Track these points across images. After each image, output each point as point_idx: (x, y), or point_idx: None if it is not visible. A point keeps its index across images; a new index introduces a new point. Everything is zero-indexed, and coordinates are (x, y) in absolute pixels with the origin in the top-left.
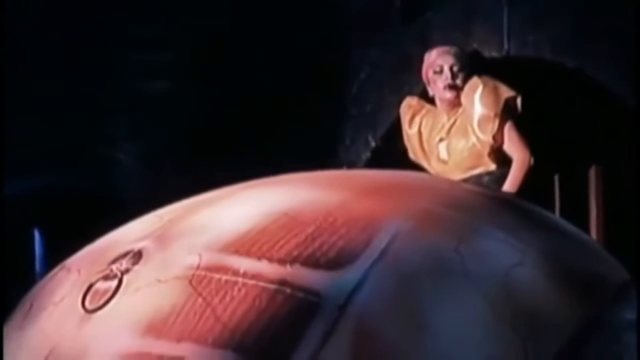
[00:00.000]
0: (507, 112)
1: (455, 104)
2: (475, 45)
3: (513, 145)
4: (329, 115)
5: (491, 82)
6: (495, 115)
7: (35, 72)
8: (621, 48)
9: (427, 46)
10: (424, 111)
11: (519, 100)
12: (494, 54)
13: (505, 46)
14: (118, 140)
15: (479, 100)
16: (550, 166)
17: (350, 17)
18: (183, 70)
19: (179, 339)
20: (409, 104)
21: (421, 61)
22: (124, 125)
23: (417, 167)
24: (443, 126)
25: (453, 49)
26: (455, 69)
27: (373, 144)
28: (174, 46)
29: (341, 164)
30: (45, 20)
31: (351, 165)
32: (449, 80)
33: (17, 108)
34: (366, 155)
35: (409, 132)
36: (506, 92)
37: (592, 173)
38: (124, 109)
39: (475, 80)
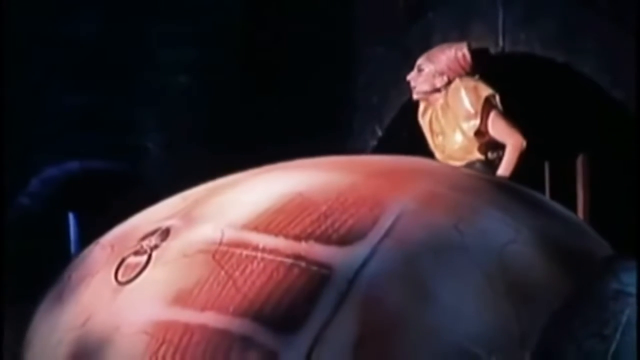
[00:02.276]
0: (487, 109)
1: (430, 101)
2: (473, 43)
3: (503, 133)
4: (339, 107)
5: (472, 82)
6: (476, 112)
7: (75, 68)
8: (605, 44)
9: (429, 44)
10: (430, 111)
11: (497, 98)
12: (490, 50)
13: (500, 43)
14: (146, 131)
15: (461, 100)
16: (541, 154)
17: (359, 18)
18: (204, 66)
19: (203, 308)
20: (420, 110)
21: None
22: (151, 117)
23: (420, 155)
24: (439, 120)
25: (432, 51)
26: (421, 67)
27: (379, 133)
28: (196, 44)
29: (350, 151)
30: (80, 20)
31: (359, 152)
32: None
33: (59, 101)
34: (373, 143)
35: (421, 122)
36: (485, 90)
37: (580, 160)
38: (151, 102)
39: (457, 81)
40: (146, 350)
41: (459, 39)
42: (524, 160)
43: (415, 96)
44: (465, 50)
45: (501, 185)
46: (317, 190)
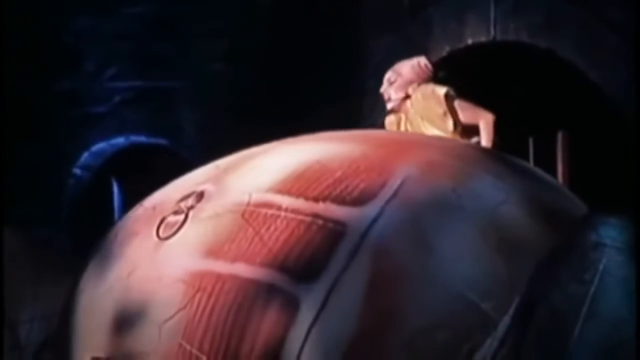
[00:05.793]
0: (450, 103)
1: (402, 109)
2: (467, 33)
3: (473, 115)
4: (352, 90)
5: (428, 88)
6: (445, 112)
7: (122, 58)
8: (584, 33)
9: (429, 35)
10: (402, 119)
11: (452, 91)
12: (483, 39)
13: (492, 32)
14: (183, 111)
15: (428, 107)
16: (525, 130)
17: (368, 13)
18: (233, 56)
19: (233, 260)
20: (390, 121)
21: (424, 47)
22: (187, 100)
23: None
24: (414, 127)
25: (397, 65)
26: (391, 79)
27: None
28: (227, 37)
29: (361, 128)
30: (127, 18)
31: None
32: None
33: (109, 86)
34: (381, 121)
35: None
36: (441, 89)
37: (560, 136)
38: (187, 87)
39: (416, 93)
40: (183, 297)
41: (455, 29)
42: (508, 135)
43: (390, 105)
44: (426, 60)
45: (493, 154)
46: (332, 159)
